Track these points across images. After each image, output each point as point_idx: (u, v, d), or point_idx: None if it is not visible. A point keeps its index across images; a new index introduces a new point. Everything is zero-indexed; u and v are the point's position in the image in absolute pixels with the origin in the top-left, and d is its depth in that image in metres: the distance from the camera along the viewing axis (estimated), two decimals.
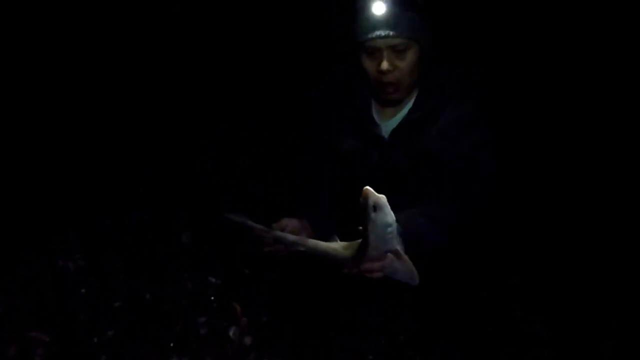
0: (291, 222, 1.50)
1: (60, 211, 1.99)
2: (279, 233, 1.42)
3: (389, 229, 1.20)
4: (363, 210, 1.18)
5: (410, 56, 1.38)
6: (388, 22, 1.33)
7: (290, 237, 1.41)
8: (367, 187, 1.16)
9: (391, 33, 1.33)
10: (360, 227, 1.22)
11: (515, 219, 1.90)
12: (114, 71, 2.28)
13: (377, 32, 1.34)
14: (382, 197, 1.17)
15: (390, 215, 1.19)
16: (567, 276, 1.78)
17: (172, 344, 1.49)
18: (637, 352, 1.44)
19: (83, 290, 1.60)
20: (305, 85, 1.89)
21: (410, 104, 1.49)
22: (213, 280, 1.81)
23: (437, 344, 1.47)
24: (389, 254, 1.23)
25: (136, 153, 2.36)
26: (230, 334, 1.57)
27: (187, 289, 1.75)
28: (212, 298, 1.69)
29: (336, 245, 1.35)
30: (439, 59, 1.48)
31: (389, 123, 1.52)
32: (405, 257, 1.24)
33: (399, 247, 1.24)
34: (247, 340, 1.56)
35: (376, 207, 1.16)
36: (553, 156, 2.14)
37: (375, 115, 1.55)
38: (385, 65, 1.36)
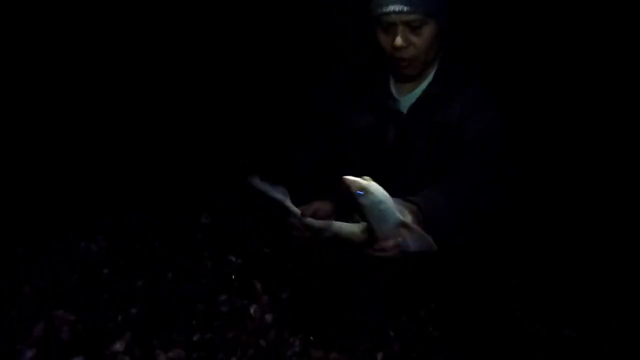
0: (323, 206, 1.47)
1: (81, 196, 2.02)
2: (308, 220, 1.40)
3: (382, 206, 1.17)
4: (351, 201, 1.16)
5: (427, 33, 1.34)
6: None
7: (317, 223, 1.39)
8: (345, 177, 1.14)
9: (406, 8, 1.30)
10: (357, 215, 1.20)
11: (515, 218, 1.84)
12: (113, 73, 2.29)
13: (392, 7, 1.31)
14: (363, 180, 1.15)
15: (378, 193, 1.17)
16: (567, 276, 1.76)
17: (194, 322, 1.51)
18: (638, 352, 1.41)
19: (106, 271, 1.62)
20: (305, 84, 1.87)
21: (429, 79, 1.46)
22: (233, 259, 1.82)
23: (437, 343, 1.46)
24: (400, 229, 1.21)
25: (159, 139, 2.37)
26: (251, 311, 1.57)
27: (207, 268, 1.76)
28: (233, 277, 1.70)
29: (356, 229, 1.32)
30: (457, 39, 1.45)
31: (406, 98, 1.49)
32: (414, 226, 1.21)
33: (404, 219, 1.21)
34: (268, 317, 1.56)
35: (362, 191, 1.13)
36: (553, 156, 2.09)
37: (393, 90, 1.51)
38: (399, 41, 1.33)
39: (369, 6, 1.38)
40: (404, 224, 1.22)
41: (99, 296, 1.52)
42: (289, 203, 1.41)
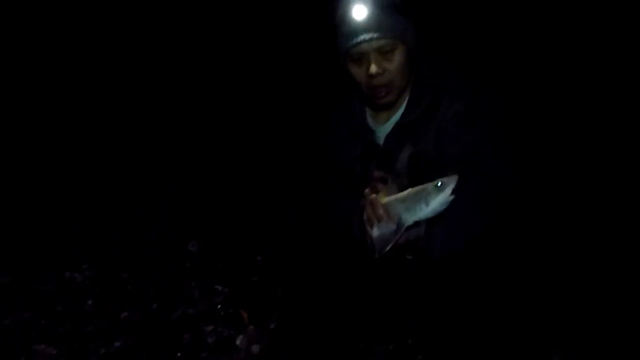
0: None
1: (67, 223, 2.00)
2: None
3: (423, 208, 1.13)
4: (433, 182, 1.12)
5: (398, 57, 1.34)
6: (371, 25, 1.29)
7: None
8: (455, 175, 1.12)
9: (375, 35, 1.29)
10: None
11: (517, 222, 1.84)
12: (113, 81, 2.29)
13: (362, 37, 1.30)
14: (451, 190, 1.12)
15: (436, 204, 1.12)
16: (572, 284, 1.73)
17: (179, 354, 1.48)
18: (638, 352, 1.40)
19: (90, 302, 1.60)
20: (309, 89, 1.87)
21: (402, 108, 1.46)
22: (220, 288, 1.81)
23: (443, 349, 1.44)
24: (390, 221, 1.16)
25: (141, 164, 2.37)
26: (238, 342, 1.56)
27: (194, 298, 1.74)
28: (219, 306, 1.68)
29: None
30: (429, 58, 1.45)
31: (382, 128, 1.49)
32: (397, 234, 1.16)
33: (403, 225, 1.16)
34: (255, 348, 1.55)
35: (440, 188, 1.11)
36: (556, 163, 2.09)
37: (369, 121, 1.51)
38: (374, 68, 1.31)
39: (336, 43, 1.38)
40: (400, 227, 1.15)
41: (82, 329, 1.50)
42: None
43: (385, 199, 1.18)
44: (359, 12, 1.32)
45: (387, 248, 1.16)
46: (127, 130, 2.23)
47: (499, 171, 1.44)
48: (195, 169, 2.45)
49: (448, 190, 1.11)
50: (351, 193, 1.54)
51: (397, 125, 1.43)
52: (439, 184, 1.11)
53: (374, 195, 1.20)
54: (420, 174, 1.44)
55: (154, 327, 1.56)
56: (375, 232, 1.18)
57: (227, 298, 1.76)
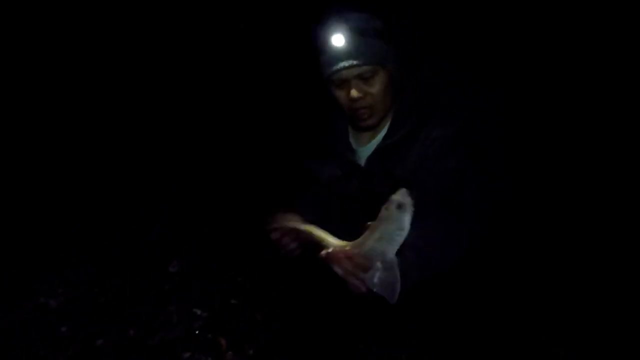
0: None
1: (42, 245, 1.96)
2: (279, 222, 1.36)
3: (400, 232, 1.11)
4: (386, 207, 1.10)
5: (379, 81, 1.35)
6: (349, 52, 1.31)
7: (290, 223, 1.34)
8: (403, 188, 1.11)
9: (355, 62, 1.31)
10: (370, 223, 1.14)
11: (516, 224, 1.82)
12: (113, 81, 2.27)
13: (341, 64, 1.31)
14: (411, 202, 1.10)
15: (408, 222, 1.10)
16: (572, 285, 1.71)
17: None
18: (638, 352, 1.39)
19: (64, 329, 1.57)
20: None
21: (385, 130, 1.47)
22: (199, 312, 1.78)
23: (443, 349, 1.43)
24: (377, 264, 1.15)
25: (141, 164, 2.33)
26: None
27: (172, 322, 1.72)
28: (197, 332, 1.66)
29: (331, 238, 1.23)
30: (413, 81, 1.45)
31: (365, 149, 1.49)
32: (396, 270, 1.13)
33: (393, 258, 1.12)
34: None
35: (401, 207, 1.09)
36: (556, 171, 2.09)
37: (352, 141, 1.52)
38: (354, 93, 1.33)
39: (319, 69, 1.39)
40: (389, 263, 1.12)
41: (55, 357, 1.47)
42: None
43: (359, 245, 1.13)
44: (338, 40, 1.32)
45: (399, 289, 1.11)
46: (127, 131, 2.20)
47: (494, 182, 1.44)
48: (195, 170, 2.42)
49: (409, 205, 1.10)
50: (330, 215, 1.54)
51: (379, 147, 1.44)
52: (397, 204, 1.10)
53: (340, 248, 1.15)
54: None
55: (131, 354, 1.54)
56: (373, 283, 1.13)
57: (205, 323, 1.74)
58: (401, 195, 1.11)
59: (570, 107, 2.18)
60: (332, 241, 1.21)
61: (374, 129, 1.46)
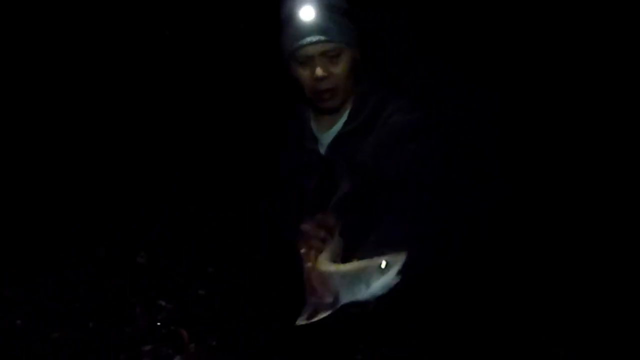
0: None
1: (42, 245, 1.91)
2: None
3: (364, 290, 0.97)
4: (370, 265, 0.97)
5: (344, 61, 1.31)
6: (318, 27, 1.26)
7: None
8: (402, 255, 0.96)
9: (322, 38, 1.26)
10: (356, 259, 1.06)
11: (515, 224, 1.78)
12: (112, 81, 2.23)
13: (308, 39, 1.26)
14: (395, 277, 0.96)
15: (377, 288, 0.96)
16: (572, 285, 1.69)
17: None
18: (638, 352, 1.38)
19: (19, 321, 1.52)
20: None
21: (345, 116, 1.42)
22: (163, 303, 1.74)
23: (443, 349, 1.40)
24: (328, 295, 1.00)
25: (141, 165, 2.29)
26: None
27: (135, 315, 1.67)
28: (159, 324, 1.62)
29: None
30: (375, 65, 1.42)
31: (327, 135, 1.45)
32: (332, 310, 1.02)
33: (344, 302, 1.00)
34: None
35: (384, 269, 0.95)
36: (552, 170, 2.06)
37: (314, 128, 1.48)
38: (319, 71, 1.27)
39: (281, 44, 1.34)
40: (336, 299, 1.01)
41: (10, 351, 1.42)
42: None
43: (325, 268, 1.04)
44: (307, 13, 1.27)
45: (315, 319, 1.02)
46: (126, 131, 2.15)
47: (491, 182, 1.41)
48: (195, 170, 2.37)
49: (392, 272, 0.95)
50: (293, 210, 1.49)
51: (339, 133, 1.40)
52: (384, 264, 0.96)
53: (310, 265, 1.06)
54: (362, 189, 1.39)
55: (87, 347, 1.50)
56: (309, 298, 1.05)
57: (170, 315, 1.70)
58: (394, 259, 0.95)
59: (566, 107, 2.15)
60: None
61: (336, 112, 1.41)
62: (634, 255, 1.69)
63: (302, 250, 1.07)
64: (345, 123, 1.39)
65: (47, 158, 2.10)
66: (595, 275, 1.66)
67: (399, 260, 0.95)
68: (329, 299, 1.02)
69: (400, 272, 0.95)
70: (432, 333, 1.36)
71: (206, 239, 2.13)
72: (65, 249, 1.90)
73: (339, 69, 1.31)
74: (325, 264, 1.04)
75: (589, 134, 2.06)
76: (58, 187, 2.12)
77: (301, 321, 1.03)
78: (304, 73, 1.31)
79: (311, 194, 1.48)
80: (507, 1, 2.08)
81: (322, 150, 1.44)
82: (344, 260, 1.09)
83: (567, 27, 2.08)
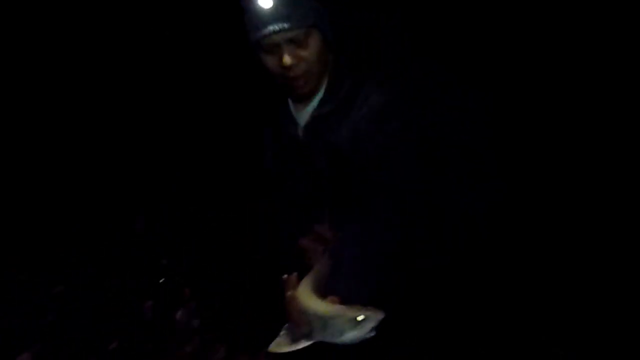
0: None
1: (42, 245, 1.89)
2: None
3: (337, 337, 0.96)
4: (346, 315, 0.95)
5: (313, 44, 1.20)
6: (280, 14, 1.17)
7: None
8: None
9: (286, 25, 1.16)
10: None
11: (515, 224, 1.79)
12: (112, 80, 2.21)
13: (271, 27, 1.17)
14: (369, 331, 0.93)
15: (350, 338, 0.95)
16: (572, 284, 1.69)
17: (114, 328, 1.44)
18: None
19: (22, 277, 1.54)
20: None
21: (319, 96, 1.37)
22: (165, 262, 1.76)
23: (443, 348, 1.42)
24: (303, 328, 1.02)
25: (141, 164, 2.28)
26: (177, 316, 1.52)
27: (136, 273, 1.69)
28: (161, 281, 1.64)
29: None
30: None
31: (303, 114, 1.38)
32: (302, 346, 1.01)
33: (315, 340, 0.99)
34: (195, 322, 1.52)
35: (360, 323, 0.94)
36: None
37: (293, 112, 1.43)
38: (287, 59, 1.18)
39: (246, 33, 1.28)
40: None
41: (12, 303, 1.44)
42: None
43: (304, 300, 1.03)
44: (265, 1, 1.21)
45: (285, 349, 1.01)
46: (126, 130, 2.14)
47: (488, 182, 1.39)
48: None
49: (367, 327, 0.94)
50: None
51: (314, 115, 1.30)
52: (360, 318, 0.95)
53: (290, 293, 1.04)
54: (339, 173, 1.35)
55: (90, 301, 1.52)
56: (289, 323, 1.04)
57: (171, 273, 1.72)
58: (371, 315, 0.93)
59: (561, 106, 2.14)
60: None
61: (309, 96, 1.36)
62: (632, 254, 1.69)
63: (284, 277, 1.04)
64: (321, 101, 1.33)
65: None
66: (595, 274, 1.66)
67: (376, 316, 0.94)
68: (305, 330, 1.02)
69: (374, 329, 0.93)
70: (432, 333, 1.37)
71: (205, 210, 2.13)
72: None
73: (308, 52, 1.20)
74: (306, 295, 1.03)
75: (584, 133, 2.06)
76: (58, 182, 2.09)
77: (276, 347, 1.03)
78: (272, 61, 1.21)
79: (296, 181, 1.46)
80: (502, 2, 2.07)
81: (300, 133, 1.40)
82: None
83: (561, 27, 2.07)
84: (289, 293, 1.04)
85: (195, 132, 2.27)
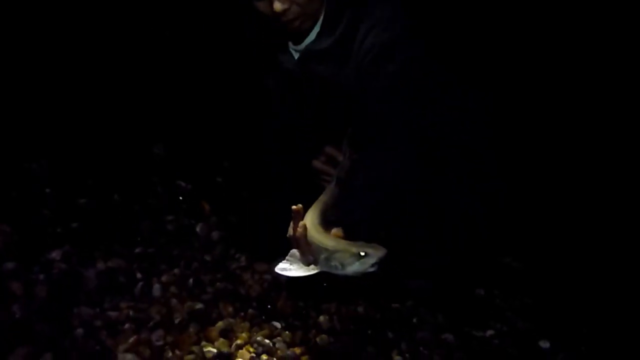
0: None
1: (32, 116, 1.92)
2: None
3: (340, 269, 1.03)
4: (349, 250, 1.01)
5: None
6: None
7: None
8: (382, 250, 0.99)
9: None
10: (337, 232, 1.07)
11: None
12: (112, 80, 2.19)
13: None
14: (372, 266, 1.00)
15: (352, 269, 1.01)
16: (572, 284, 1.67)
17: (138, 239, 1.49)
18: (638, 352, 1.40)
19: (48, 190, 1.58)
20: None
21: (316, 29, 1.29)
22: (183, 184, 1.79)
23: None
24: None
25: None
26: (198, 229, 1.56)
27: (156, 191, 1.73)
28: (180, 198, 1.68)
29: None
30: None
31: (299, 47, 1.34)
32: (306, 274, 1.08)
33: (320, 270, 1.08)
34: (215, 235, 1.56)
35: (362, 257, 0.99)
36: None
37: (290, 46, 1.37)
38: (278, 6, 1.16)
39: None
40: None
41: (39, 212, 1.48)
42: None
43: (312, 231, 1.08)
44: None
45: (288, 274, 1.08)
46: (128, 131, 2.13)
47: (488, 182, 1.39)
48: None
49: (368, 262, 0.99)
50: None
51: (310, 49, 1.31)
52: (364, 253, 0.99)
53: (298, 224, 1.08)
54: (334, 108, 1.35)
55: (113, 213, 1.56)
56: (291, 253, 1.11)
57: (190, 193, 1.76)
58: (374, 252, 0.99)
59: (562, 107, 2.11)
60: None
61: (307, 33, 1.31)
62: (633, 254, 1.69)
63: (294, 207, 1.08)
64: (318, 35, 1.29)
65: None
66: (595, 274, 1.67)
67: (378, 253, 0.98)
68: (309, 259, 1.07)
69: (376, 264, 0.98)
70: (432, 332, 1.38)
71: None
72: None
73: None
74: (313, 228, 1.08)
75: (584, 133, 2.03)
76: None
77: (281, 270, 1.08)
78: (264, 7, 1.20)
79: (291, 112, 1.46)
80: (502, 2, 2.02)
81: (295, 64, 1.36)
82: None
83: (561, 27, 2.02)
84: (296, 225, 1.08)
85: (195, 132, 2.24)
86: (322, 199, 1.22)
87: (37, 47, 2.05)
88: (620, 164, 2.00)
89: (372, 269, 0.99)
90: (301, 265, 1.10)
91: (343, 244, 1.03)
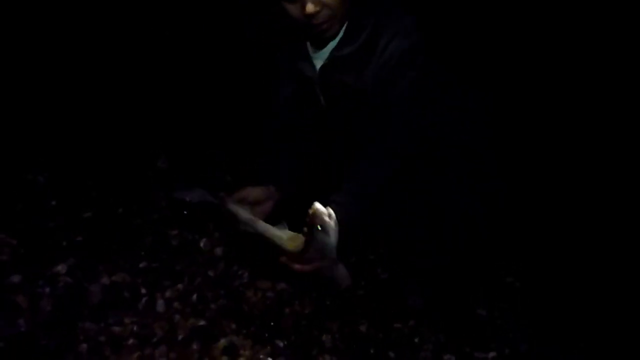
0: (254, 192, 1.39)
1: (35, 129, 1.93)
2: (233, 208, 1.36)
3: (329, 248, 1.17)
4: (309, 226, 1.14)
5: None
6: None
7: (243, 215, 1.34)
8: (317, 206, 1.12)
9: None
10: (305, 230, 1.17)
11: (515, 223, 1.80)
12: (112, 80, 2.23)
13: None
14: (330, 220, 1.13)
15: (333, 238, 1.16)
16: (571, 284, 1.69)
17: (142, 253, 1.49)
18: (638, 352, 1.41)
19: (53, 202, 1.59)
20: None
21: (340, 36, 1.30)
22: (188, 199, 1.80)
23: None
24: (326, 262, 1.22)
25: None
26: (202, 245, 1.57)
27: (160, 206, 1.74)
28: (185, 212, 1.68)
29: (283, 235, 1.28)
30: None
31: (321, 54, 1.35)
32: (341, 265, 1.24)
33: (335, 257, 1.21)
34: (218, 251, 1.57)
35: (322, 227, 1.13)
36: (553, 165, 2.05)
37: (310, 51, 1.38)
38: (310, 7, 1.16)
39: None
40: (334, 261, 1.23)
41: (44, 225, 1.49)
42: (209, 197, 1.47)
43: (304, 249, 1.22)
44: None
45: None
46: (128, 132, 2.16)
47: (488, 182, 1.41)
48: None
49: (331, 227, 1.15)
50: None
51: (333, 57, 1.31)
52: (320, 226, 1.14)
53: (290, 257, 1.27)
54: (356, 113, 1.37)
55: (118, 227, 1.56)
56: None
57: (194, 207, 1.76)
58: (317, 217, 1.12)
59: (562, 107, 2.14)
60: (283, 238, 1.27)
61: (331, 39, 1.32)
62: (633, 254, 1.69)
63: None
64: (340, 43, 1.30)
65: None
66: (595, 274, 1.68)
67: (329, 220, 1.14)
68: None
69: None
70: (432, 332, 1.39)
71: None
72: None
73: None
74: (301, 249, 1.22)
75: (584, 133, 2.05)
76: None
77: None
78: (294, 9, 1.20)
79: (308, 118, 1.48)
80: (502, 3, 2.06)
81: (317, 71, 1.37)
82: None
83: (561, 27, 2.06)
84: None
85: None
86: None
87: (42, 58, 2.08)
88: (621, 164, 2.00)
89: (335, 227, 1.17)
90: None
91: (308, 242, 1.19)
